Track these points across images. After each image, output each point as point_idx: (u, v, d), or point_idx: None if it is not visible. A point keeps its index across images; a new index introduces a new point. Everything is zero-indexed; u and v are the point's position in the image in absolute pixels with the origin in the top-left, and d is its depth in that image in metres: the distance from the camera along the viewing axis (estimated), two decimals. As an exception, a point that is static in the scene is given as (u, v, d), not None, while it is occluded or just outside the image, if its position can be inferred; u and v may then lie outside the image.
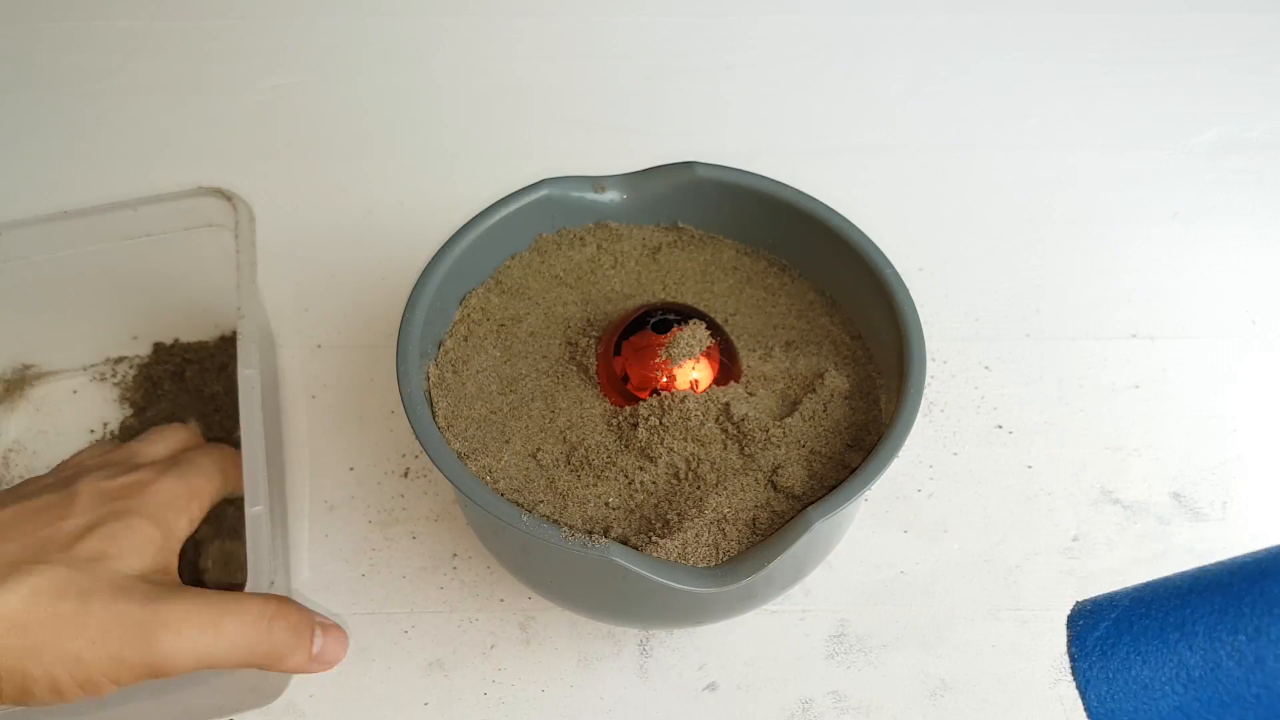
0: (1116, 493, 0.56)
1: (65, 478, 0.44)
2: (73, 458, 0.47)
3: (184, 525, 0.43)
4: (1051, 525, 0.55)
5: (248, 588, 0.42)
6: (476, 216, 0.50)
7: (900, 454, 0.43)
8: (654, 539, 0.42)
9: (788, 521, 0.42)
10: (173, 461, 0.45)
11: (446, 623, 0.52)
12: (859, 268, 0.49)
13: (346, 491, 0.55)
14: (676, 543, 0.42)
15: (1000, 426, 0.59)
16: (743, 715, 0.49)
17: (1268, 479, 0.57)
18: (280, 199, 0.67)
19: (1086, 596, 0.33)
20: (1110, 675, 0.31)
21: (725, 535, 0.43)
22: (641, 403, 0.45)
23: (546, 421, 0.46)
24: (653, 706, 0.50)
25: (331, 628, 0.43)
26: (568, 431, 0.45)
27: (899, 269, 0.48)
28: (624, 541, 0.42)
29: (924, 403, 0.47)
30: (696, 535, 0.42)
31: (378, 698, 0.50)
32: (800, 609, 0.52)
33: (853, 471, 0.43)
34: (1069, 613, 0.33)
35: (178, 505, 0.43)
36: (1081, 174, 0.70)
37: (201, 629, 0.39)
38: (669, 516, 0.43)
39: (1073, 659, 0.32)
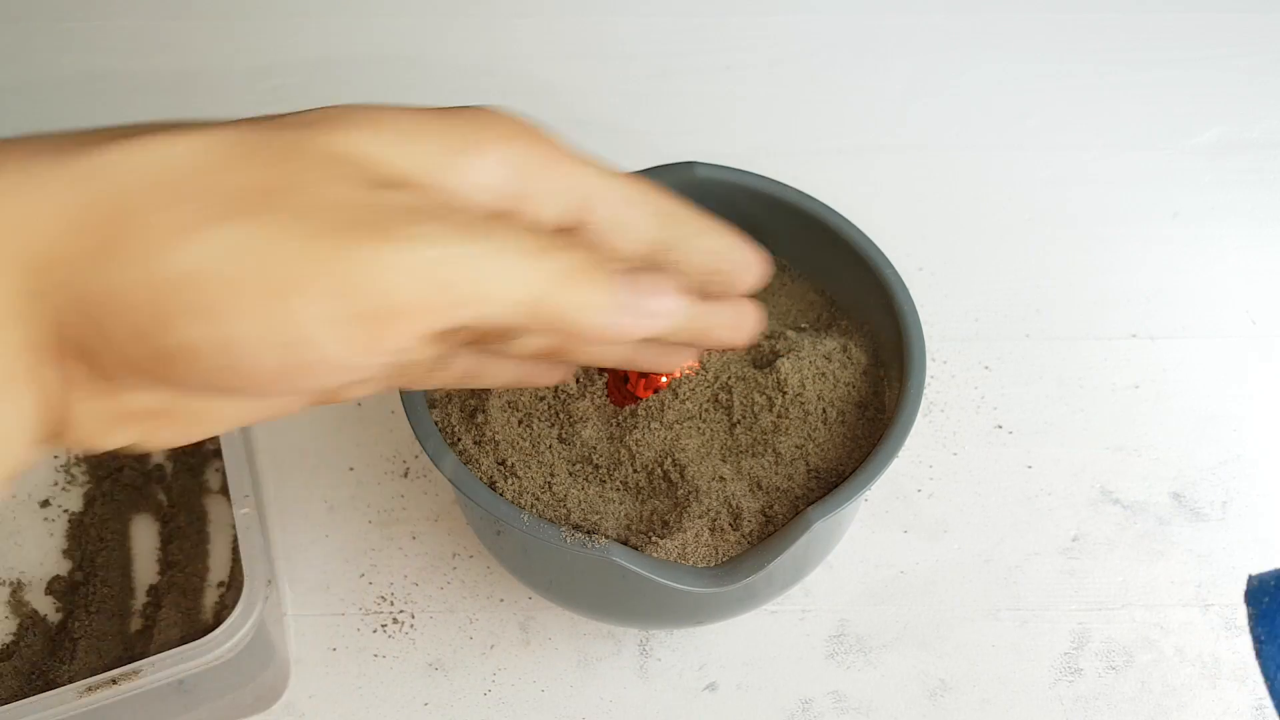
0: (1116, 493, 0.56)
1: None
2: None
3: (491, 166, 0.27)
4: (1051, 525, 0.55)
5: (245, 589, 0.42)
6: (476, 216, 0.50)
7: (900, 454, 0.43)
8: (654, 539, 0.42)
9: (788, 521, 0.42)
10: None
11: (446, 623, 0.52)
12: (859, 268, 0.49)
13: (346, 491, 0.55)
14: (676, 543, 0.42)
15: (1000, 426, 0.59)
16: (743, 715, 0.49)
17: (1268, 479, 0.57)
18: (280, 199, 0.67)
19: (1263, 570, 0.29)
20: None
21: (725, 535, 0.43)
22: (641, 402, 0.45)
23: (547, 422, 0.46)
24: (653, 706, 0.50)
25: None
26: (567, 432, 0.45)
27: (899, 269, 0.48)
28: (624, 541, 0.42)
29: (924, 403, 0.47)
30: (696, 535, 0.42)
31: (378, 698, 0.50)
32: (800, 609, 0.52)
33: (853, 471, 0.43)
34: (1246, 586, 0.30)
35: (497, 133, 0.27)
36: (1081, 174, 0.70)
37: (465, 227, 0.24)
38: (669, 516, 0.43)
39: (1258, 640, 0.29)
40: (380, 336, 0.23)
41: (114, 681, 0.41)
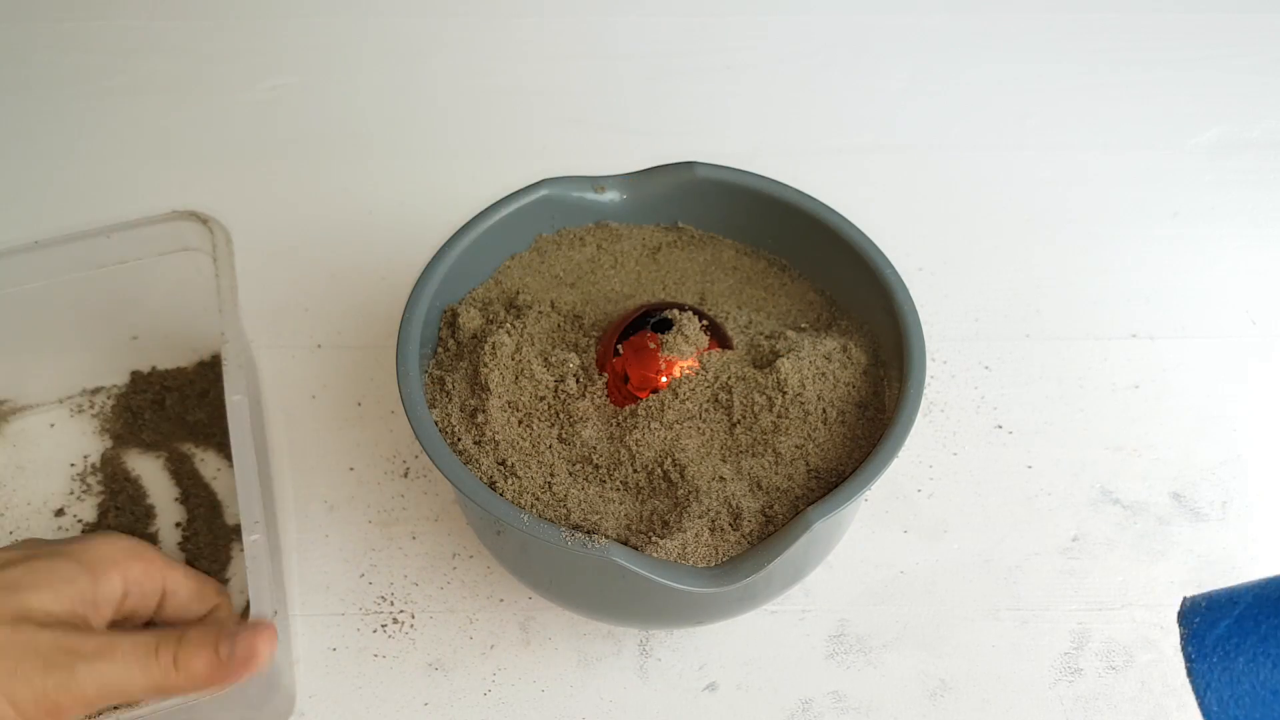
0: (1116, 493, 0.56)
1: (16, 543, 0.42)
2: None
3: (116, 583, 0.40)
4: (1051, 525, 0.55)
5: (251, 617, 0.41)
6: (476, 216, 0.50)
7: (900, 454, 0.43)
8: (654, 539, 0.42)
9: (788, 522, 0.42)
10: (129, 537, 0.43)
11: (446, 623, 0.52)
12: (859, 268, 0.49)
13: (346, 491, 0.55)
14: (676, 543, 0.42)
15: (1000, 426, 0.59)
16: (743, 715, 0.49)
17: (1268, 479, 0.57)
18: (281, 199, 0.67)
19: (1199, 591, 0.31)
20: (1235, 678, 0.29)
21: (725, 535, 0.43)
22: (641, 402, 0.45)
23: (547, 422, 0.46)
24: (653, 706, 0.50)
25: (244, 632, 0.40)
26: (568, 432, 0.45)
27: (899, 269, 0.48)
28: (624, 541, 0.42)
29: (924, 403, 0.48)
30: (696, 535, 0.42)
31: (378, 698, 0.50)
32: (800, 609, 0.52)
33: (853, 471, 0.43)
34: (1180, 608, 0.31)
35: (115, 559, 0.40)
36: (1081, 174, 0.70)
37: (97, 654, 0.37)
38: (669, 516, 0.43)
39: (1189, 659, 0.29)
40: None
41: (114, 707, 0.41)
